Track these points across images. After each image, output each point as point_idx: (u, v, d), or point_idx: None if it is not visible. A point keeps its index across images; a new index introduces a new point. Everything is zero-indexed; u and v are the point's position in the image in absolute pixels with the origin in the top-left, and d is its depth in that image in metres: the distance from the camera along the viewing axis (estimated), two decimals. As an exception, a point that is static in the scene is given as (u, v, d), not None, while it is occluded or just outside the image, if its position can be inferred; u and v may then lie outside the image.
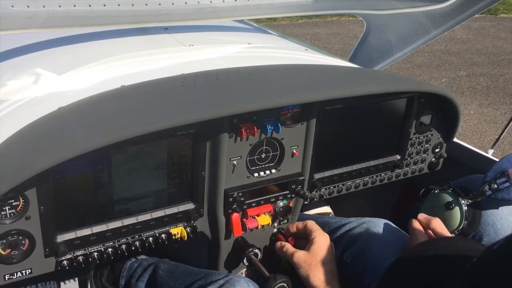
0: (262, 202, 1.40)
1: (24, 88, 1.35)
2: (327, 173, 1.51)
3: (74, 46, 1.58)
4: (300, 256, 1.33)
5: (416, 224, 1.34)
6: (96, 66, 1.47)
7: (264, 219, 1.40)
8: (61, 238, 1.18)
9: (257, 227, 1.40)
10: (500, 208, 1.44)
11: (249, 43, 1.81)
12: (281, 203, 1.43)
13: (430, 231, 1.32)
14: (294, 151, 1.39)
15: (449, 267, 0.89)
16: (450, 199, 1.45)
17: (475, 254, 0.77)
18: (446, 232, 1.31)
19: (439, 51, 6.94)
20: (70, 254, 1.20)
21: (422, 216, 1.36)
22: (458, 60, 6.67)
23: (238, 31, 2.06)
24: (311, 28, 7.89)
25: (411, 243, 1.30)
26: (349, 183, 1.58)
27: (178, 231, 1.32)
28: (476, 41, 7.50)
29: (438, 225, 1.31)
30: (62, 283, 1.72)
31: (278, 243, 1.43)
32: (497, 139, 1.92)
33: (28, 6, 1.31)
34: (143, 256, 1.60)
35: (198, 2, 1.61)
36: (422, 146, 1.66)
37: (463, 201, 1.43)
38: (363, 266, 1.36)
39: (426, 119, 1.61)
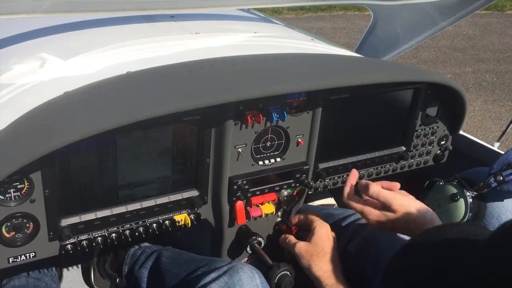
0: (267, 191, 1.40)
1: (30, 72, 1.35)
2: (332, 163, 1.51)
3: (80, 31, 1.58)
4: (301, 246, 1.33)
5: (353, 202, 1.32)
6: (102, 52, 1.47)
7: (268, 208, 1.40)
8: (65, 222, 1.18)
9: (261, 216, 1.40)
10: (505, 200, 1.43)
11: (255, 32, 1.80)
12: (285, 192, 1.43)
13: (367, 197, 1.30)
14: (299, 140, 1.39)
15: (460, 252, 0.88)
16: (455, 190, 1.44)
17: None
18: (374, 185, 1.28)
19: (445, 46, 6.90)
20: (74, 238, 1.20)
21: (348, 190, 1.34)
22: (464, 56, 6.62)
23: (244, 20, 2.05)
24: (316, 22, 7.84)
25: (367, 217, 1.29)
26: (354, 173, 1.57)
27: (182, 218, 1.32)
28: (482, 37, 7.45)
29: (375, 190, 1.28)
30: (65, 270, 1.73)
31: (282, 236, 1.43)
32: (503, 132, 1.91)
33: (34, -10, 1.31)
34: (146, 244, 1.60)
35: (205, -10, 1.60)
36: (427, 138, 1.65)
37: (468, 193, 1.42)
38: (367, 256, 1.36)
39: (432, 111, 1.60)
